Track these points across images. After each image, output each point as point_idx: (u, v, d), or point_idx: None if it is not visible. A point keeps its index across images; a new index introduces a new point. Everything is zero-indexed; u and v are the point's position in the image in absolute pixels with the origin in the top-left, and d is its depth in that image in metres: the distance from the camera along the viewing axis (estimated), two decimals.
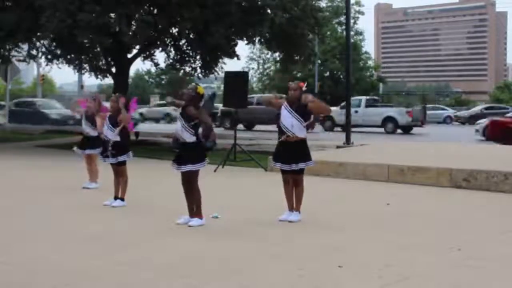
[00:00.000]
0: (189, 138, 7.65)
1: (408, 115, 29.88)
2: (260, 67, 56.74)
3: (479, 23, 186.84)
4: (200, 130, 7.74)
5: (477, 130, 25.89)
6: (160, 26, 18.74)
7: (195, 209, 7.72)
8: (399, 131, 30.07)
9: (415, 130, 30.55)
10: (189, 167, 7.62)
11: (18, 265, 5.87)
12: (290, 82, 8.24)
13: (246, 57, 55.07)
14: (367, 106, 31.53)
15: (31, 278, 5.46)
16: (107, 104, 10.43)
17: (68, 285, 5.28)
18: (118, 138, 9.12)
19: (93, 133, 10.80)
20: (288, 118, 7.91)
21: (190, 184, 7.72)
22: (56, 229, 7.54)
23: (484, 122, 26.63)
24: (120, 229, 7.57)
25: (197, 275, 5.60)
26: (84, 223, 7.86)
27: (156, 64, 23.36)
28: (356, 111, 29.25)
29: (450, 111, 48.39)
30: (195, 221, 7.65)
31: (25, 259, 6.06)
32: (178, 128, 7.72)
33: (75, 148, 11.15)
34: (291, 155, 7.90)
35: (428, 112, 46.09)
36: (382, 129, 29.92)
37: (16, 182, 11.73)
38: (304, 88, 7.96)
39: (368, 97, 34.70)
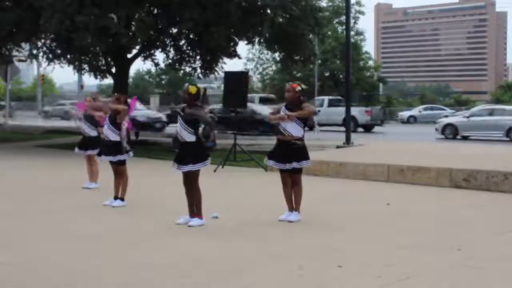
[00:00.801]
0: (189, 137, 7.66)
1: (367, 114, 31.00)
2: (259, 67, 56.67)
3: (479, 23, 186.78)
4: (200, 130, 7.75)
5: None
6: (160, 27, 18.74)
7: (195, 209, 7.72)
8: (360, 129, 30.78)
9: (376, 128, 31.73)
10: (189, 167, 7.62)
11: (18, 265, 5.87)
12: (286, 83, 8.35)
13: (244, 58, 55.01)
14: (329, 105, 33.35)
15: (31, 278, 5.46)
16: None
17: (68, 285, 5.28)
18: (118, 138, 9.13)
19: (92, 133, 10.79)
20: None
21: (190, 183, 7.72)
22: (56, 229, 7.54)
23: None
24: (120, 229, 7.57)
25: (197, 275, 5.60)
26: (84, 223, 7.86)
27: (157, 64, 23.34)
28: (319, 110, 30.80)
29: (448, 111, 48.48)
30: (195, 221, 7.65)
31: (25, 259, 6.06)
32: (178, 127, 7.74)
33: (76, 150, 11.14)
34: (286, 154, 7.93)
35: (426, 112, 46.40)
36: (343, 128, 30.48)
37: (16, 182, 11.73)
38: (298, 89, 8.00)
39: (331, 97, 36.39)
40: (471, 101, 65.83)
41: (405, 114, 47.46)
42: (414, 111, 47.34)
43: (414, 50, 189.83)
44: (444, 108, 50.86)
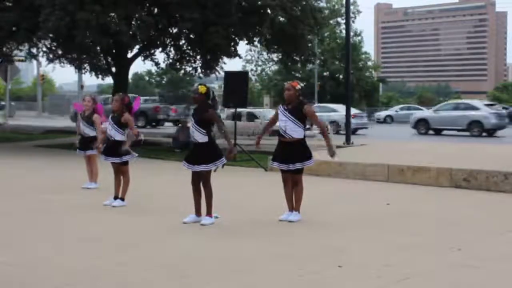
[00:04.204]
0: (201, 138, 7.71)
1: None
2: (259, 68, 56.67)
3: (479, 23, 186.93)
4: (214, 130, 7.86)
5: None
6: (160, 26, 18.74)
7: (206, 208, 7.80)
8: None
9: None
10: (202, 167, 7.71)
11: (19, 265, 5.87)
12: (285, 83, 8.33)
13: (243, 59, 54.95)
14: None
15: (32, 278, 5.46)
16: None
17: (68, 285, 5.28)
18: (123, 138, 9.13)
19: (91, 133, 10.78)
20: (282, 121, 7.96)
21: (202, 183, 7.82)
22: (56, 229, 7.54)
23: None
24: (120, 229, 7.57)
25: (197, 275, 5.60)
26: (84, 223, 7.86)
27: (157, 64, 23.34)
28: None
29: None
30: (208, 219, 7.74)
31: (25, 259, 6.06)
32: (191, 128, 7.80)
33: (77, 151, 11.14)
34: (289, 155, 7.93)
35: (403, 112, 47.45)
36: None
37: (16, 182, 11.73)
38: (298, 87, 7.98)
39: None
40: None
41: (382, 114, 47.86)
42: (391, 111, 47.78)
43: (414, 50, 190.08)
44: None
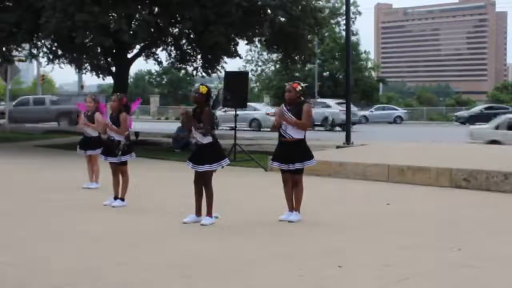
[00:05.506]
0: (203, 139, 7.70)
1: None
2: (259, 68, 56.59)
3: (479, 23, 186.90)
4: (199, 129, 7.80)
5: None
6: (160, 26, 18.75)
7: (207, 208, 7.81)
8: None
9: None
10: (206, 167, 7.74)
11: (19, 265, 5.87)
12: (286, 84, 8.34)
13: (243, 60, 54.82)
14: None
15: (32, 278, 5.46)
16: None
17: (68, 285, 5.28)
18: (122, 138, 9.13)
19: (93, 133, 10.79)
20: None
21: (204, 183, 7.83)
22: (56, 229, 7.54)
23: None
24: (120, 229, 7.57)
25: (197, 275, 5.60)
26: (84, 223, 7.86)
27: (159, 63, 23.35)
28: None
29: (400, 111, 49.29)
30: (208, 219, 7.74)
31: (25, 259, 6.06)
32: (193, 129, 7.80)
33: (78, 150, 11.15)
34: (289, 155, 7.93)
35: (378, 112, 47.88)
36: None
37: (15, 182, 11.73)
38: (299, 88, 7.98)
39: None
40: (472, 101, 65.99)
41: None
42: (366, 111, 47.97)
43: (414, 50, 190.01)
44: (397, 108, 51.28)
